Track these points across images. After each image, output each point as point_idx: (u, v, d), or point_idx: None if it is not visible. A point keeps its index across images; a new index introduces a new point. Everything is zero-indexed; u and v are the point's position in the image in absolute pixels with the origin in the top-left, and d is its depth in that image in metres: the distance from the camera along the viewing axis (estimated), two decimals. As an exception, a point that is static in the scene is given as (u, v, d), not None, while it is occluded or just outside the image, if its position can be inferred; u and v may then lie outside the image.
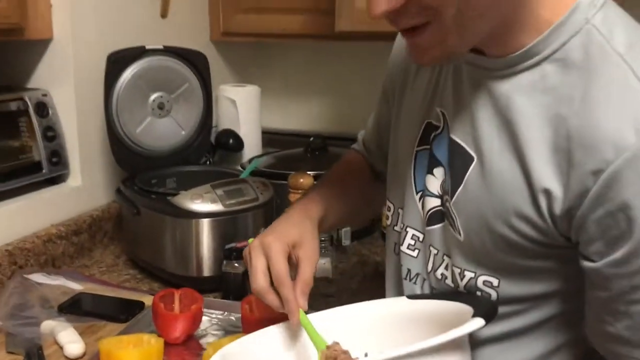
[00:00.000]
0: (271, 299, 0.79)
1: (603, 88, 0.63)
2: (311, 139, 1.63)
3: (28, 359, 0.95)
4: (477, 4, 0.63)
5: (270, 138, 1.86)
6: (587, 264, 0.66)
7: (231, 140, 1.69)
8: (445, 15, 0.62)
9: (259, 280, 0.79)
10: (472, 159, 0.73)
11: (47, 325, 1.04)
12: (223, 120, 1.75)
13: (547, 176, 0.65)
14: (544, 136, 0.66)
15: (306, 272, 0.80)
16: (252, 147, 1.75)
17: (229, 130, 1.71)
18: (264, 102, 1.80)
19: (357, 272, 1.39)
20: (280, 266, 0.78)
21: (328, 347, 0.72)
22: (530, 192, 0.67)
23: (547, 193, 0.66)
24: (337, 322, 0.80)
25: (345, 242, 1.44)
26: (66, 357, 0.98)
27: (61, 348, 1.00)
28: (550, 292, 0.73)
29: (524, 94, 0.68)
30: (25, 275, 1.20)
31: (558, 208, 0.65)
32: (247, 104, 1.74)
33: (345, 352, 0.71)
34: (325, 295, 1.26)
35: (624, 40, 0.64)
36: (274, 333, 0.82)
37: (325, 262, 1.31)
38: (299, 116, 1.97)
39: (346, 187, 0.99)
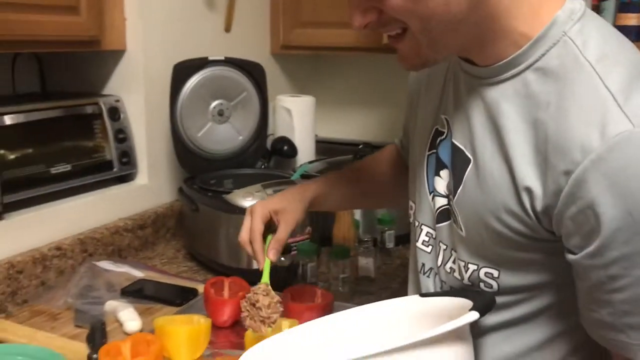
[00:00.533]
0: (248, 249, 1.02)
1: (575, 95, 0.68)
2: (360, 146, 1.71)
3: (92, 333, 1.06)
4: (441, 20, 0.69)
5: (323, 146, 1.95)
6: (569, 256, 0.71)
7: (286, 147, 1.78)
8: (413, 29, 0.70)
9: (242, 234, 1.02)
10: (469, 161, 0.79)
11: (110, 304, 1.16)
12: (279, 128, 1.85)
13: (529, 176, 0.71)
14: (527, 139, 0.71)
15: (280, 233, 1.01)
16: (305, 154, 1.83)
17: (284, 138, 1.80)
18: (318, 111, 1.89)
19: (399, 274, 1.44)
20: (256, 226, 1.00)
21: (251, 290, 0.89)
22: (515, 190, 0.73)
23: (529, 191, 0.71)
24: (355, 322, 0.86)
25: (389, 244, 1.50)
26: (125, 332, 1.08)
27: (121, 325, 1.10)
28: (544, 282, 0.78)
29: (509, 101, 0.74)
30: (94, 262, 1.32)
31: (539, 205, 0.71)
32: (302, 113, 1.83)
33: (267, 293, 0.88)
34: (366, 292, 1.33)
35: (596, 51, 0.69)
36: (292, 336, 0.86)
37: (367, 262, 1.38)
38: (351, 125, 2.06)
39: (363, 173, 1.12)
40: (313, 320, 0.86)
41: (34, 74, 1.55)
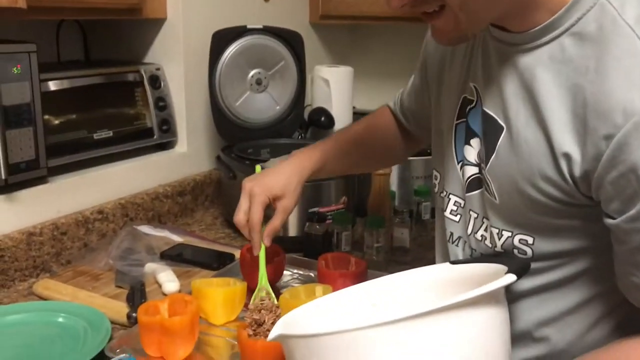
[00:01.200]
0: (245, 232, 1.03)
1: (614, 58, 0.66)
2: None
3: (132, 293, 1.09)
4: None
5: (361, 117, 1.94)
6: (608, 220, 0.70)
7: (323, 118, 1.78)
8: (453, 5, 0.69)
9: (240, 216, 1.01)
10: (502, 129, 0.78)
11: (150, 266, 1.19)
12: (317, 99, 1.85)
13: (566, 141, 0.70)
14: (563, 105, 0.71)
15: (276, 221, 1.03)
16: (343, 125, 1.83)
17: (322, 109, 1.80)
18: (356, 82, 1.88)
19: (434, 245, 1.44)
20: (256, 215, 1.00)
21: (253, 306, 0.89)
22: (552, 156, 0.72)
23: (567, 157, 0.71)
24: (387, 289, 0.87)
25: (425, 216, 1.50)
26: (164, 293, 1.12)
27: (160, 286, 1.14)
28: (580, 248, 0.78)
29: (545, 67, 0.73)
30: (135, 226, 1.36)
31: (577, 170, 0.70)
32: (340, 83, 1.83)
33: (270, 308, 0.89)
34: (401, 262, 1.34)
35: (635, 12, 0.67)
36: (329, 300, 0.87)
37: (402, 233, 1.38)
38: (389, 97, 2.03)
39: (360, 140, 1.12)
40: (346, 288, 0.87)
41: (77, 42, 1.59)
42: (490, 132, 0.80)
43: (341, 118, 1.83)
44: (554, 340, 0.83)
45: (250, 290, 1.09)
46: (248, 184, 1.02)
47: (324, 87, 1.83)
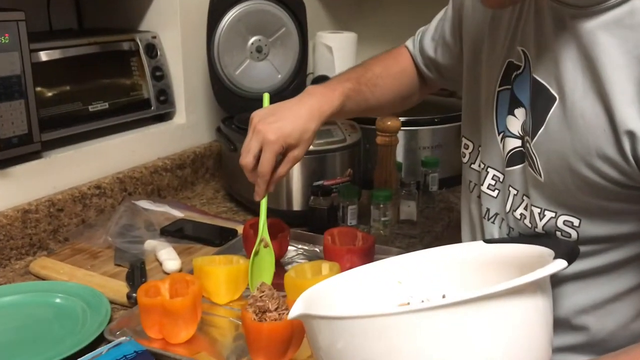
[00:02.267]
0: (250, 175, 0.94)
1: None
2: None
3: (132, 271, 1.06)
4: None
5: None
6: None
7: (326, 86, 1.73)
8: None
9: (248, 159, 0.92)
10: (554, 99, 0.72)
11: (150, 244, 1.15)
12: (319, 66, 1.79)
13: (631, 117, 0.64)
14: (630, 76, 0.64)
15: (283, 169, 0.94)
16: (346, 93, 1.78)
17: (325, 77, 1.74)
18: (360, 49, 1.82)
19: (442, 218, 1.40)
20: (267, 165, 0.91)
21: (254, 297, 0.84)
22: (613, 133, 0.66)
23: (631, 135, 0.64)
24: (415, 266, 0.82)
25: (433, 188, 1.46)
26: (164, 271, 1.08)
27: (160, 264, 1.10)
28: (632, 232, 0.72)
29: (609, 32, 0.66)
30: (134, 201, 1.31)
31: None
32: (343, 50, 1.77)
33: (272, 294, 0.84)
34: (408, 236, 1.30)
35: None
36: (352, 276, 0.82)
37: (410, 205, 1.34)
38: (394, 63, 1.98)
39: (379, 86, 1.03)
40: (371, 263, 0.83)
41: (70, 10, 1.52)
42: (540, 103, 0.74)
43: (345, 86, 1.77)
44: (593, 329, 0.79)
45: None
46: (260, 125, 0.91)
47: (326, 54, 1.77)
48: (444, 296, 0.80)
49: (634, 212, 0.71)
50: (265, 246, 1.01)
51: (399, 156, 1.49)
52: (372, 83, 1.02)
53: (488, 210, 0.87)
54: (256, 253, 1.00)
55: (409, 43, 1.10)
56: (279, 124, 0.91)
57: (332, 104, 0.94)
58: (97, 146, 1.32)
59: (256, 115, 0.94)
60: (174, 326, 0.87)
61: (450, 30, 0.98)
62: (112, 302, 0.98)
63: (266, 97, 1.02)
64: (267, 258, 1.02)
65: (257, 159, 0.92)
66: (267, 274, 1.01)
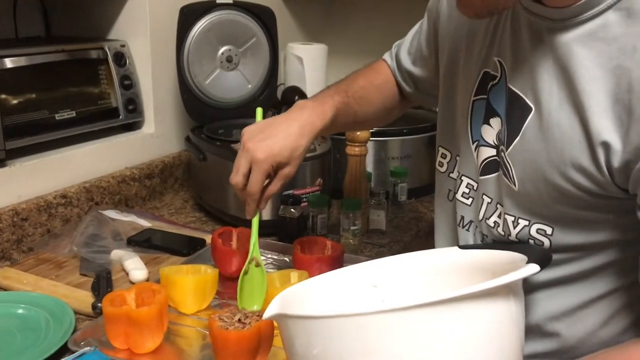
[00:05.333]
0: (241, 194, 0.92)
1: None
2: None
3: (97, 281, 1.04)
4: None
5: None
6: None
7: (297, 97, 1.72)
8: None
9: (238, 178, 0.90)
10: (530, 110, 0.73)
11: (116, 253, 1.14)
12: (290, 77, 1.80)
13: (606, 128, 0.65)
14: (604, 88, 0.65)
15: (274, 187, 0.92)
16: (317, 104, 1.78)
17: (295, 87, 1.74)
18: (330, 60, 1.83)
19: (411, 227, 1.41)
20: (257, 185, 0.89)
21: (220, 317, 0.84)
22: (588, 144, 0.67)
23: (606, 146, 0.65)
24: (390, 270, 0.82)
25: (402, 198, 1.47)
26: (131, 281, 1.06)
27: (127, 274, 1.08)
28: (605, 241, 0.73)
29: (584, 45, 0.67)
30: (101, 211, 1.30)
31: (616, 161, 0.65)
32: (314, 62, 1.78)
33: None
34: (377, 245, 1.30)
35: None
36: (328, 278, 0.83)
37: (379, 215, 1.35)
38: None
39: (364, 101, 1.02)
40: (347, 267, 0.83)
41: (37, 18, 1.50)
42: (516, 112, 0.74)
43: (315, 97, 1.78)
44: (564, 335, 0.80)
45: (222, 278, 1.05)
46: (249, 143, 0.88)
47: (297, 65, 1.77)
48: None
49: (606, 221, 0.72)
50: (257, 265, 0.97)
51: (369, 166, 1.50)
52: (359, 96, 1.01)
53: (462, 217, 0.87)
54: (245, 272, 0.96)
55: (386, 57, 1.10)
56: (268, 142, 0.88)
57: (324, 118, 0.92)
58: (63, 155, 1.30)
59: (246, 132, 0.91)
60: (140, 336, 0.86)
61: (427, 43, 0.99)
62: (77, 312, 0.96)
63: (259, 112, 0.98)
64: (258, 278, 0.97)
65: (247, 177, 0.90)
66: (258, 293, 0.96)
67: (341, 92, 0.98)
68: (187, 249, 1.19)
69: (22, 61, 1.24)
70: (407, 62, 1.04)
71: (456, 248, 0.83)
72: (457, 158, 0.88)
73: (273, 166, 0.89)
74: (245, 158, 0.89)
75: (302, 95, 1.74)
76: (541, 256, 0.68)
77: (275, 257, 1.19)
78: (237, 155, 0.91)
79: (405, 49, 1.04)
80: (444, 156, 0.91)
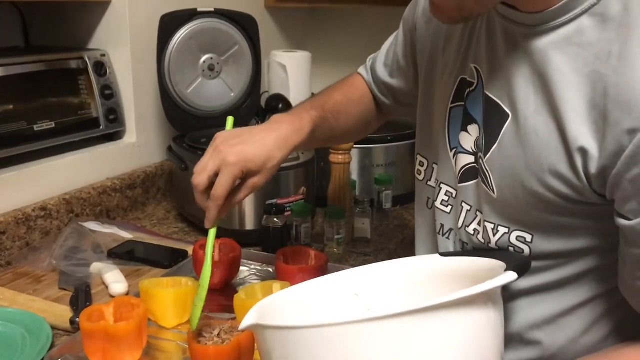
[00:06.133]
0: (200, 198, 0.86)
1: None
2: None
3: (76, 295, 1.02)
4: None
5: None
6: (622, 221, 0.65)
7: (281, 105, 1.72)
8: None
9: (201, 178, 0.84)
10: (507, 116, 0.72)
11: (96, 266, 1.11)
12: (274, 85, 1.79)
13: (583, 134, 0.64)
14: (580, 93, 0.65)
15: (240, 195, 0.86)
16: (301, 112, 1.77)
17: (279, 95, 1.74)
18: (314, 68, 1.82)
19: (396, 235, 1.40)
20: (223, 188, 0.82)
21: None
22: (565, 150, 0.66)
23: (583, 151, 0.65)
24: (371, 279, 0.82)
25: (387, 205, 1.46)
26: (110, 295, 1.04)
27: (107, 287, 1.06)
28: (584, 248, 0.73)
29: (560, 50, 0.67)
30: (81, 223, 1.28)
31: (593, 167, 0.65)
32: (297, 69, 1.77)
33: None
34: (362, 254, 1.29)
35: None
36: (309, 287, 0.82)
37: (364, 223, 1.34)
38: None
39: (342, 115, 1.00)
40: (327, 275, 0.82)
41: (16, 27, 1.48)
42: (493, 119, 0.74)
43: (299, 105, 1.77)
44: (545, 344, 0.79)
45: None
46: (222, 145, 0.83)
47: (281, 72, 1.77)
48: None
49: (585, 228, 0.72)
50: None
51: (353, 174, 1.49)
52: (336, 110, 0.98)
53: (442, 225, 0.87)
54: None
55: (361, 70, 1.08)
56: (242, 147, 0.84)
57: (301, 133, 0.88)
58: (42, 166, 1.28)
59: (220, 136, 0.86)
60: (118, 351, 0.84)
61: (403, 54, 0.98)
62: (54, 328, 0.94)
63: (230, 120, 0.93)
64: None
65: (212, 181, 0.84)
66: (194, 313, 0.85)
67: (318, 107, 0.95)
68: (168, 261, 1.17)
69: (0, 71, 1.22)
70: (384, 75, 1.03)
71: (437, 255, 0.82)
72: (435, 166, 0.88)
73: (243, 172, 0.84)
74: (214, 160, 0.83)
75: (286, 103, 1.73)
76: (520, 264, 0.68)
77: (259, 267, 1.17)
78: (205, 156, 0.85)
79: (381, 62, 1.04)
80: (421, 164, 0.91)
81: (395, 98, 1.04)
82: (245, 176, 0.85)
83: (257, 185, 0.86)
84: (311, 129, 0.89)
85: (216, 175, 0.84)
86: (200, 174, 0.84)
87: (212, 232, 0.88)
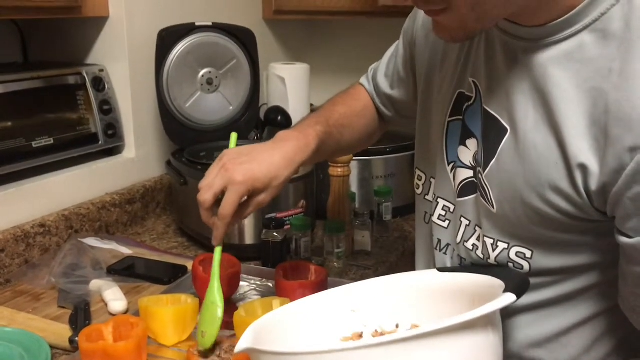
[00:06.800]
0: (205, 215, 0.86)
1: None
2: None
3: (76, 313, 1.01)
4: None
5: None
6: (623, 239, 0.65)
7: (280, 117, 1.71)
8: (459, 4, 0.63)
9: (208, 196, 0.84)
10: (505, 131, 0.72)
11: (95, 283, 1.11)
12: (273, 97, 1.79)
13: (583, 151, 0.64)
14: (581, 109, 0.64)
15: (245, 212, 0.87)
16: (300, 124, 1.77)
17: (278, 107, 1.73)
18: (313, 80, 1.82)
19: (397, 247, 1.40)
20: (229, 208, 0.83)
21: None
22: (566, 166, 0.66)
23: (583, 168, 0.64)
24: (368, 295, 0.81)
25: (387, 217, 1.45)
26: (110, 312, 1.04)
27: (106, 305, 1.06)
28: (584, 264, 0.72)
29: (560, 65, 0.66)
30: (80, 239, 1.27)
31: (594, 184, 0.64)
32: (296, 81, 1.77)
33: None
34: (363, 267, 1.29)
35: None
36: (305, 304, 0.82)
37: (364, 236, 1.34)
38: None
39: (347, 128, 0.99)
40: (324, 291, 0.82)
41: (15, 44, 1.49)
42: (492, 134, 0.73)
43: (298, 116, 1.76)
44: None
45: (204, 306, 1.02)
46: (230, 164, 0.84)
47: (279, 85, 1.76)
48: (397, 325, 0.79)
49: (585, 244, 0.71)
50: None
51: (353, 186, 1.49)
52: (340, 124, 0.98)
53: (440, 241, 0.86)
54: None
55: (363, 81, 1.08)
56: (250, 166, 0.84)
57: (307, 150, 0.88)
58: (41, 183, 1.28)
59: (227, 154, 0.87)
60: (118, 371, 0.83)
61: (403, 66, 0.98)
62: (54, 347, 0.93)
63: (233, 137, 0.94)
64: (209, 315, 0.89)
65: (219, 198, 0.85)
66: (209, 333, 0.87)
67: (323, 122, 0.95)
68: (168, 277, 1.16)
69: (-3, 89, 1.22)
70: (385, 86, 1.03)
71: (435, 271, 0.82)
72: (432, 180, 0.87)
73: (250, 190, 0.84)
74: (221, 178, 0.84)
75: (285, 115, 1.73)
76: (519, 283, 0.67)
77: (259, 282, 1.17)
78: (211, 173, 0.86)
79: (382, 72, 1.04)
80: (419, 178, 0.90)
81: (397, 110, 1.04)
82: (251, 194, 0.85)
83: (263, 203, 0.86)
84: (317, 145, 0.89)
85: (222, 192, 0.84)
86: (207, 192, 0.84)
87: (219, 250, 0.89)
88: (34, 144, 1.28)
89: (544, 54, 0.68)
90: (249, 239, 1.29)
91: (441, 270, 0.82)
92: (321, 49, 2.04)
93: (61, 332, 0.97)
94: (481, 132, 0.76)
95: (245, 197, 0.86)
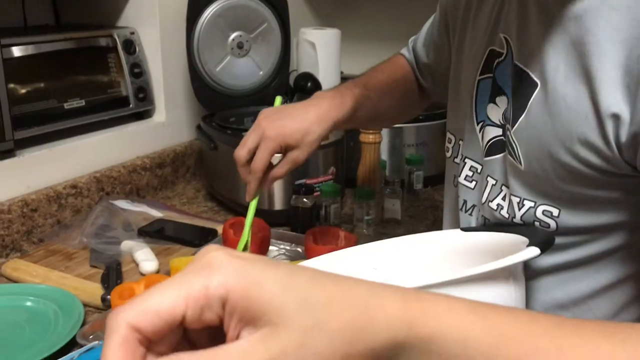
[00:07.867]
0: (241, 170, 0.88)
1: None
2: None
3: (107, 273, 1.02)
4: None
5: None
6: None
7: (309, 84, 1.69)
8: None
9: (242, 152, 0.87)
10: (535, 85, 0.70)
11: (127, 244, 1.12)
12: (303, 63, 1.76)
13: (615, 100, 0.62)
14: (615, 59, 0.62)
15: (280, 170, 0.88)
16: (330, 91, 1.75)
17: (308, 74, 1.71)
18: (344, 46, 1.79)
19: (427, 217, 1.38)
20: (261, 162, 0.86)
21: None
22: (597, 117, 0.64)
23: (615, 118, 0.62)
24: (391, 253, 0.81)
25: (417, 186, 1.43)
26: (141, 273, 1.05)
27: (137, 265, 1.07)
28: (614, 223, 0.70)
29: (595, 15, 0.64)
30: (111, 201, 1.28)
31: (624, 134, 0.62)
32: (326, 47, 1.74)
33: None
34: (392, 235, 1.27)
35: None
36: (326, 261, 0.81)
37: (394, 204, 1.32)
38: (378, 60, 1.96)
39: (387, 88, 0.99)
40: (346, 248, 0.81)
41: (47, 6, 1.49)
42: (522, 89, 0.72)
43: (328, 83, 1.74)
44: None
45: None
46: (263, 121, 0.87)
47: (310, 50, 1.74)
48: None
49: (614, 201, 0.69)
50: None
51: (384, 154, 1.47)
52: (379, 89, 0.98)
53: (465, 202, 0.85)
54: None
55: (404, 51, 1.08)
56: (282, 122, 0.86)
57: (342, 109, 0.89)
58: (73, 145, 1.29)
59: (264, 112, 0.89)
60: (149, 329, 0.84)
61: (439, 33, 0.97)
62: (86, 305, 0.94)
63: (278, 99, 0.96)
64: None
65: (253, 153, 0.87)
66: None
67: (361, 85, 0.95)
68: (198, 239, 1.17)
69: (29, 50, 1.22)
70: (423, 55, 1.03)
71: (458, 230, 0.81)
72: (461, 142, 0.86)
73: (282, 147, 0.86)
74: (255, 134, 0.87)
75: (315, 82, 1.70)
76: (543, 239, 0.66)
77: (288, 247, 1.17)
78: (248, 131, 0.89)
79: (421, 42, 1.03)
80: (449, 141, 0.90)
81: (434, 79, 1.03)
82: (285, 151, 0.86)
83: (297, 160, 0.87)
84: (353, 105, 0.90)
85: (257, 149, 0.86)
86: (241, 148, 0.87)
87: (253, 205, 0.91)
88: (66, 106, 1.28)
89: (578, 5, 0.66)
90: (278, 205, 1.28)
91: (465, 229, 0.82)
92: (353, 14, 2.00)
93: (93, 290, 0.99)
94: (511, 89, 0.74)
95: (280, 155, 0.87)
